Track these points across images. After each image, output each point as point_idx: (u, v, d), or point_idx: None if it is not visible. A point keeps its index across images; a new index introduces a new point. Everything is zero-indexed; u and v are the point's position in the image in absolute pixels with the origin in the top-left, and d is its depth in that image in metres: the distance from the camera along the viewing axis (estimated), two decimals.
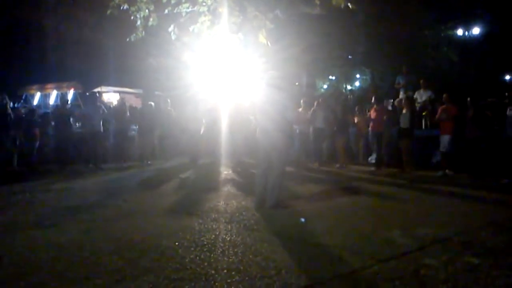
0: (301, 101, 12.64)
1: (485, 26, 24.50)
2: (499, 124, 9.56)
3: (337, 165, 11.82)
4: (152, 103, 13.71)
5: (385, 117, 11.31)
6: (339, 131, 11.89)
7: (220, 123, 11.03)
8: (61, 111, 12.57)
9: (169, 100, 14.22)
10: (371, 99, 12.06)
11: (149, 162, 12.44)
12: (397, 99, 12.51)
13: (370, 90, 21.91)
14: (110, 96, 23.54)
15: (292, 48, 14.80)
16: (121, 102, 14.00)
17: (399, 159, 10.86)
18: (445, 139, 9.96)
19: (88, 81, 23.25)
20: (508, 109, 9.28)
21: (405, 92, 13.37)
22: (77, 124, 13.35)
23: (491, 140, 9.62)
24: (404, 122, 10.55)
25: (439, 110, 10.34)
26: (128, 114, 13.59)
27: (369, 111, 12.04)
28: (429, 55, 24.49)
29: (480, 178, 9.32)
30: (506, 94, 9.68)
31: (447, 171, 9.93)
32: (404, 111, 10.70)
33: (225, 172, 10.51)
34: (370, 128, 11.62)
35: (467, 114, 9.92)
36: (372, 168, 11.35)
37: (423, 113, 12.30)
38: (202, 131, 12.17)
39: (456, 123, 10.04)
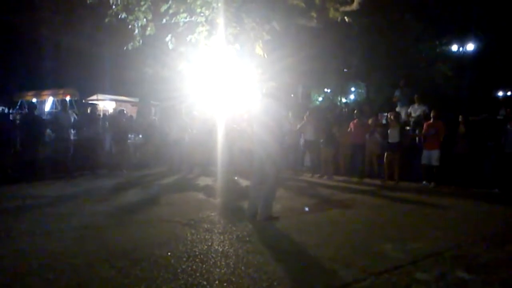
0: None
1: (479, 43, 24.74)
2: (494, 139, 9.74)
3: (325, 177, 11.88)
4: (124, 110, 13.50)
5: (367, 131, 11.77)
6: (327, 143, 12.00)
7: (216, 134, 11.02)
8: (30, 117, 12.16)
9: (153, 109, 14.21)
10: (366, 113, 12.18)
11: (124, 170, 12.28)
12: (388, 114, 12.56)
13: (365, 104, 22.03)
14: (106, 104, 23.52)
15: (288, 59, 14.87)
16: (93, 109, 13.80)
17: (387, 171, 11.16)
18: (433, 153, 10.33)
19: (84, 88, 23.23)
20: (508, 125, 9.56)
21: (401, 106, 13.47)
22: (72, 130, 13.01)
23: (481, 155, 10.08)
24: (393, 137, 10.96)
25: (425, 126, 10.74)
26: (100, 121, 13.14)
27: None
28: (424, 69, 24.67)
29: (468, 190, 9.70)
30: (508, 110, 9.87)
31: (432, 183, 10.32)
32: (392, 126, 11.10)
33: (219, 182, 10.46)
34: (351, 141, 11.99)
35: (458, 131, 10.31)
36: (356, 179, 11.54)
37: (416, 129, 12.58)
38: (191, 141, 12.18)
39: (444, 138, 10.47)
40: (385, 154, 11.07)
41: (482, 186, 9.79)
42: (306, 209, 6.96)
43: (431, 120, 10.66)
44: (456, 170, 10.22)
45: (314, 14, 10.62)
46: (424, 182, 10.50)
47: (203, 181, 10.78)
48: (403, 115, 12.98)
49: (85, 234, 5.56)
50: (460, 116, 10.78)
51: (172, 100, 15.86)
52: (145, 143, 13.81)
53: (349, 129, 12.14)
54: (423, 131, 10.77)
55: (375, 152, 11.62)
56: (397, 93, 13.93)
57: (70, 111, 12.60)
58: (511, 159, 9.38)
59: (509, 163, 9.40)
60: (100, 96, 23.83)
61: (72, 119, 12.20)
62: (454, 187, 10.02)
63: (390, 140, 11.01)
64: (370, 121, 12.11)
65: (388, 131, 11.11)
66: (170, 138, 13.00)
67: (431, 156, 10.38)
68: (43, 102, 23.38)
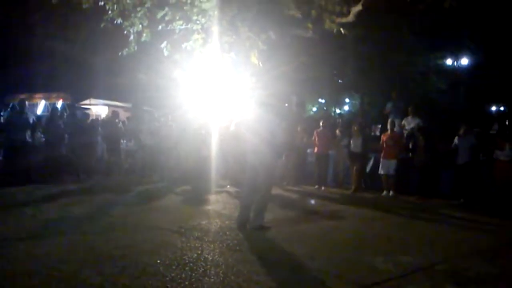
0: None
1: (473, 57, 24.98)
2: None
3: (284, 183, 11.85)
4: (89, 112, 13.03)
5: (332, 142, 11.91)
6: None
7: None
8: None
9: (120, 113, 14.03)
10: (358, 124, 12.18)
11: (81, 176, 11.97)
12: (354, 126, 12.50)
13: (358, 115, 22.09)
14: (99, 108, 23.44)
15: (283, 67, 14.89)
16: (54, 112, 13.21)
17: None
18: (391, 163, 10.54)
19: (77, 92, 23.17)
20: (456, 138, 9.87)
21: (393, 119, 13.46)
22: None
23: (438, 167, 10.34)
24: (355, 147, 11.19)
25: (383, 137, 11.00)
26: (62, 125, 12.49)
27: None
28: (418, 82, 24.83)
29: (428, 198, 9.88)
30: (462, 124, 10.08)
31: (391, 192, 10.49)
32: (355, 136, 11.33)
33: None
34: (315, 151, 11.96)
35: (417, 143, 10.58)
36: (323, 188, 11.49)
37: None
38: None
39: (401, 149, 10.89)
40: (350, 163, 11.35)
41: (442, 197, 9.97)
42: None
43: (388, 132, 10.97)
44: (414, 181, 10.53)
45: (310, 25, 10.66)
46: (384, 192, 10.59)
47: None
48: (395, 127, 12.99)
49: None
50: (418, 129, 11.05)
51: (166, 108, 15.83)
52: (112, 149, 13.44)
53: (313, 138, 12.10)
54: (381, 142, 10.95)
55: (341, 162, 11.68)
56: (388, 105, 13.93)
57: (28, 113, 12.05)
58: (464, 171, 9.60)
59: (463, 174, 9.63)
60: (93, 101, 23.77)
61: (31, 121, 11.67)
62: (406, 196, 10.21)
63: (352, 150, 11.23)
64: (337, 131, 12.09)
65: (351, 141, 11.29)
66: (140, 144, 12.93)
67: (389, 165, 10.55)
68: (35, 105, 23.24)
